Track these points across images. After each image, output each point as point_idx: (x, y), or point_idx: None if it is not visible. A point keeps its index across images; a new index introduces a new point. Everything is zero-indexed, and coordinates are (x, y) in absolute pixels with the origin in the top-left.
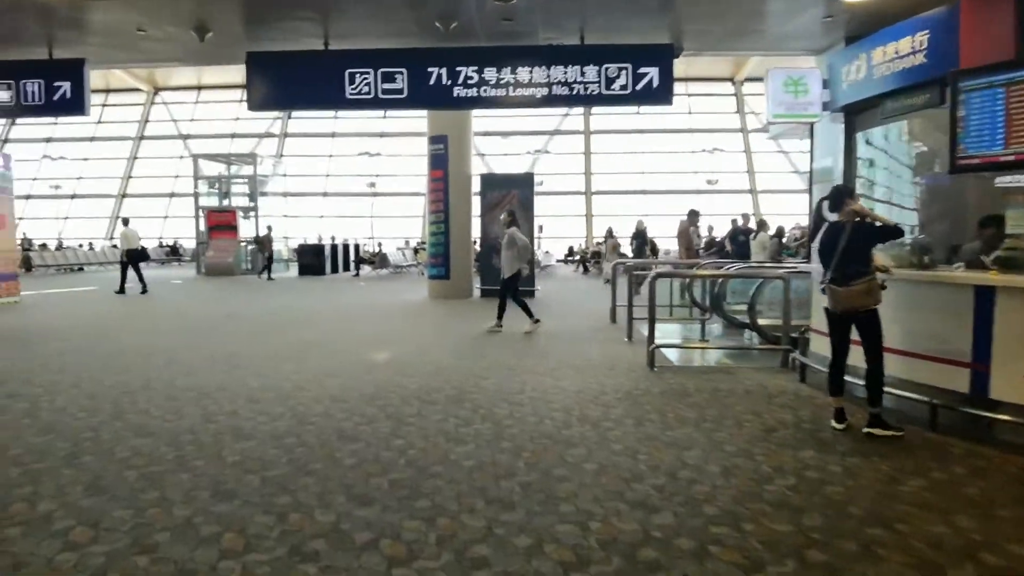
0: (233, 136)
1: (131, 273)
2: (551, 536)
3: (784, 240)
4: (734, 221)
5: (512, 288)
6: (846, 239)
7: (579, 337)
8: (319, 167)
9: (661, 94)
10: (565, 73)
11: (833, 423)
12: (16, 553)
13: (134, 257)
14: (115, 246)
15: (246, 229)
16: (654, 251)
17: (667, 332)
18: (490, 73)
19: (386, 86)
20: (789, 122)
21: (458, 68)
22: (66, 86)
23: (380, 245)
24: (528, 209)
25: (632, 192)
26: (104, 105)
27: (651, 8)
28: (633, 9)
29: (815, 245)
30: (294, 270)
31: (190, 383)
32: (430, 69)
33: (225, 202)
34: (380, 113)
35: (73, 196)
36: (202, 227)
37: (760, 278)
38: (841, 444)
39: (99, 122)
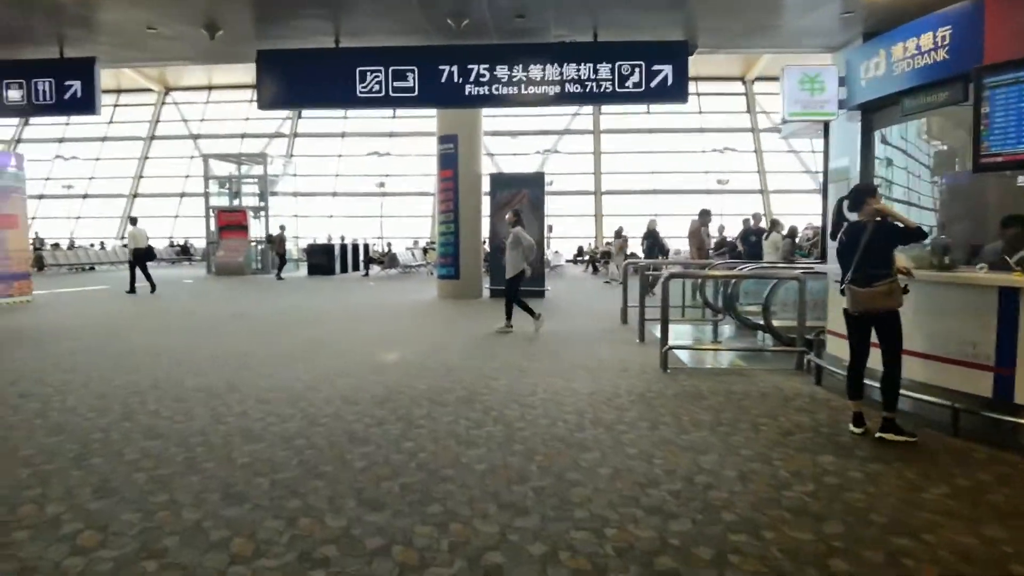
0: (243, 136)
1: (140, 273)
2: (566, 543)
3: (797, 240)
4: (746, 221)
5: (514, 288)
6: (867, 238)
7: (590, 338)
8: (329, 167)
9: (676, 92)
10: (578, 71)
11: (851, 427)
12: (23, 558)
13: (140, 256)
14: (125, 246)
15: (256, 229)
16: (663, 252)
17: (679, 333)
18: (502, 71)
19: (397, 84)
20: (805, 120)
21: (470, 66)
22: (77, 85)
23: (389, 245)
24: (539, 209)
25: (642, 192)
26: (116, 105)
27: (665, 5)
28: (646, 6)
29: (835, 245)
30: (303, 270)
31: (200, 383)
32: (441, 67)
33: (235, 202)
34: (389, 113)
35: (85, 196)
36: (212, 227)
37: (775, 279)
38: (860, 449)
39: (111, 122)
